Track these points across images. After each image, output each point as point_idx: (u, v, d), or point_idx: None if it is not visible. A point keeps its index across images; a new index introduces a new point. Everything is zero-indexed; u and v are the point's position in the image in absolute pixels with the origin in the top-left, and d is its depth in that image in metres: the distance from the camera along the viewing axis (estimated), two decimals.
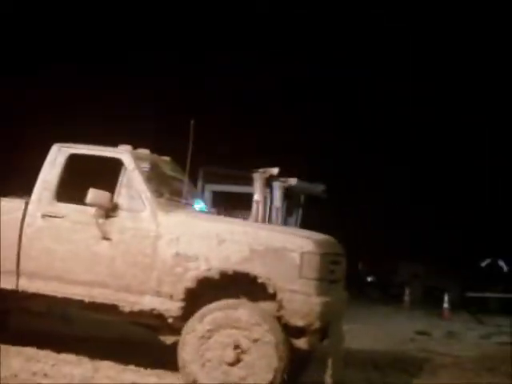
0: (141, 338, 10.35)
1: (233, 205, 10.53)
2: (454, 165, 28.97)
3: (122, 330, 10.56)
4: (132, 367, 8.88)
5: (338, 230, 9.02)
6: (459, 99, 29.14)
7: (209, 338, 7.83)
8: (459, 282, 25.43)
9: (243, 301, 7.95)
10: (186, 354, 7.88)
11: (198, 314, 7.93)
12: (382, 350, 11.84)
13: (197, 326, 7.88)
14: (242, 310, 7.78)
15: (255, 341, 7.70)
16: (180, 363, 7.92)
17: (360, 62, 29.54)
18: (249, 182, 13.04)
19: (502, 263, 24.99)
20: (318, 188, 13.40)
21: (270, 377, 7.64)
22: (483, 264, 25.09)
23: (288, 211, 12.39)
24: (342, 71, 29.23)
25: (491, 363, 11.54)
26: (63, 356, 8.95)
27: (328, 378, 8.05)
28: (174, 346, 9.33)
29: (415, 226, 28.02)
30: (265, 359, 7.67)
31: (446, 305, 21.54)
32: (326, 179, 14.03)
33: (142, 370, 8.84)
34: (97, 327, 10.67)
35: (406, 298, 23.53)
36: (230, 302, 7.92)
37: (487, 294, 21.46)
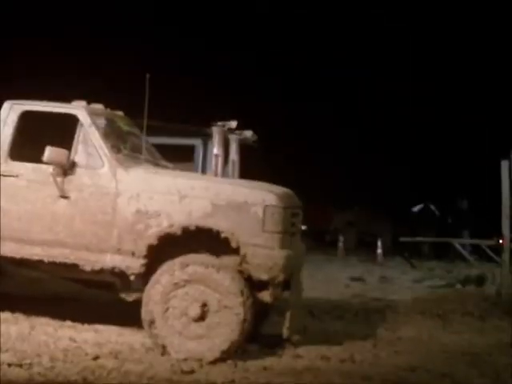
0: (75, 294, 10.34)
1: (168, 158, 10.40)
2: (385, 112, 29.25)
3: (55, 286, 10.48)
4: (69, 323, 8.88)
5: (271, 179, 9.01)
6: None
7: (182, 286, 7.78)
8: (392, 227, 25.87)
9: (228, 264, 7.90)
10: (154, 292, 7.80)
11: (180, 260, 7.85)
12: (317, 297, 11.99)
13: (176, 271, 7.81)
14: (224, 274, 7.74)
15: (225, 307, 7.69)
16: (144, 299, 7.84)
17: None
18: (185, 134, 12.95)
19: (433, 208, 25.44)
20: (253, 137, 13.35)
21: (224, 346, 7.63)
22: (415, 209, 25.46)
23: (225, 160, 12.31)
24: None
25: (423, 306, 11.78)
26: None
27: (285, 330, 8.13)
28: (108, 301, 9.39)
29: (349, 173, 28.30)
30: (227, 328, 7.66)
31: (379, 250, 21.92)
32: (255, 126, 13.98)
33: (78, 325, 8.84)
34: (30, 285, 10.52)
35: (340, 245, 23.79)
36: (215, 261, 7.87)
37: (419, 239, 21.82)
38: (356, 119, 29.45)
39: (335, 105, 29.21)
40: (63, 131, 8.46)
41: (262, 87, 28.12)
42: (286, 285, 8.22)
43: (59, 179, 8.27)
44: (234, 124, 11.53)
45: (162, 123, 12.10)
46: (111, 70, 24.82)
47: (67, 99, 8.91)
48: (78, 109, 8.62)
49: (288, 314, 8.16)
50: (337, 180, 27.36)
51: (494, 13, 27.64)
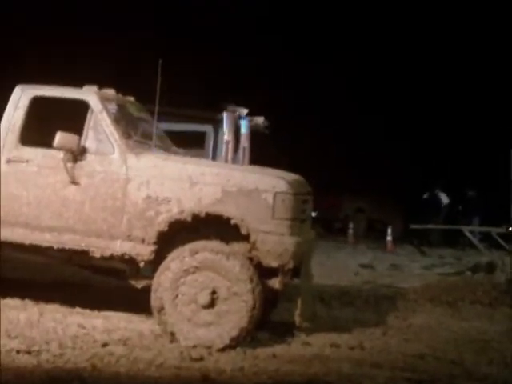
0: (83, 280, 10.37)
1: (178, 143, 10.45)
2: (397, 100, 29.18)
3: (64, 272, 10.51)
4: (78, 309, 8.89)
5: (282, 165, 9.00)
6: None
7: (192, 273, 7.77)
8: (402, 214, 25.81)
9: (237, 251, 7.89)
10: (164, 279, 7.80)
11: (190, 247, 7.84)
12: (327, 283, 12.02)
13: (186, 258, 7.80)
14: (233, 261, 7.72)
15: (234, 294, 7.68)
16: (154, 286, 7.84)
17: None
18: (196, 120, 12.95)
19: (440, 196, 25.34)
20: (264, 124, 13.37)
21: (234, 333, 7.63)
22: (425, 196, 25.38)
23: (235, 147, 12.33)
24: None
25: (433, 293, 11.80)
26: (7, 301, 8.86)
27: (297, 317, 8.11)
28: (117, 288, 9.40)
29: (360, 160, 28.22)
30: (236, 315, 7.66)
31: (389, 237, 21.87)
32: (266, 113, 13.98)
33: (87, 312, 8.86)
34: (39, 271, 10.55)
35: (350, 231, 23.77)
36: (225, 248, 7.86)
37: (429, 226, 21.80)
38: (368, 107, 29.32)
39: (347, 92, 29.10)
40: (74, 116, 8.44)
41: (273, 74, 28.05)
42: (296, 272, 8.20)
43: (69, 165, 8.25)
44: (244, 111, 11.54)
45: (173, 109, 12.10)
46: (123, 55, 24.80)
47: (79, 84, 8.88)
48: (89, 94, 8.59)
49: (299, 301, 8.15)
50: (348, 167, 27.28)
51: None
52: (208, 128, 12.45)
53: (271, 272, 7.92)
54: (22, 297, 9.05)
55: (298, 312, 8.12)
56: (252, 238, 7.81)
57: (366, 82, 29.27)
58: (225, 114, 11.26)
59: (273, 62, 28.17)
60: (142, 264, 8.12)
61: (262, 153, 12.68)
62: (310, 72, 29.18)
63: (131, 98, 9.40)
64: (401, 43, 29.26)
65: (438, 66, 29.46)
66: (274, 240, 7.80)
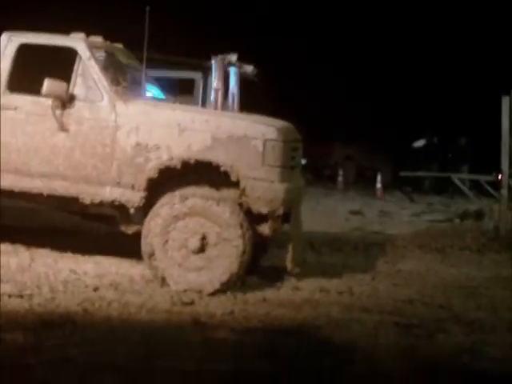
0: (74, 226, 10.38)
1: (168, 90, 10.39)
2: (387, 46, 29.07)
3: (54, 219, 10.52)
4: (69, 255, 8.93)
5: (271, 113, 8.97)
6: None
7: (182, 219, 7.80)
8: (392, 162, 25.85)
9: (228, 197, 7.92)
10: (154, 224, 7.84)
11: (180, 193, 7.87)
12: (316, 230, 12.01)
13: (176, 204, 7.82)
14: (223, 207, 7.76)
15: (224, 240, 7.72)
16: (144, 232, 7.88)
17: None
18: (186, 67, 12.89)
19: (436, 142, 25.32)
20: (253, 72, 13.32)
21: (224, 278, 7.69)
22: (418, 144, 25.37)
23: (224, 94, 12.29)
24: None
25: (422, 240, 11.90)
26: None
27: (289, 262, 8.19)
28: (108, 233, 9.45)
29: (349, 107, 28.17)
30: (226, 260, 7.71)
31: (378, 184, 21.98)
32: (255, 60, 13.90)
33: (78, 257, 8.90)
34: (29, 216, 10.56)
35: (340, 178, 23.84)
36: (215, 194, 7.89)
37: (419, 174, 21.88)
38: (357, 52, 29.21)
39: (338, 38, 28.95)
40: (62, 63, 8.39)
41: (264, 22, 27.88)
42: (286, 218, 8.25)
43: (58, 112, 8.23)
44: (234, 57, 11.49)
45: (163, 56, 12.03)
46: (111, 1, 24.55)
47: (66, 31, 8.81)
48: (76, 41, 8.53)
49: (290, 247, 8.21)
50: (337, 114, 27.23)
51: None
52: (197, 75, 12.42)
53: (261, 218, 7.95)
54: (13, 242, 9.05)
55: (289, 258, 8.19)
56: (242, 185, 7.83)
57: (356, 28, 29.15)
58: (214, 61, 11.19)
59: (262, 9, 28.00)
60: (132, 210, 8.14)
61: (252, 100, 12.64)
62: (301, 19, 29.04)
63: (120, 45, 9.34)
64: None
65: (432, 11, 29.33)
66: (264, 186, 7.82)
